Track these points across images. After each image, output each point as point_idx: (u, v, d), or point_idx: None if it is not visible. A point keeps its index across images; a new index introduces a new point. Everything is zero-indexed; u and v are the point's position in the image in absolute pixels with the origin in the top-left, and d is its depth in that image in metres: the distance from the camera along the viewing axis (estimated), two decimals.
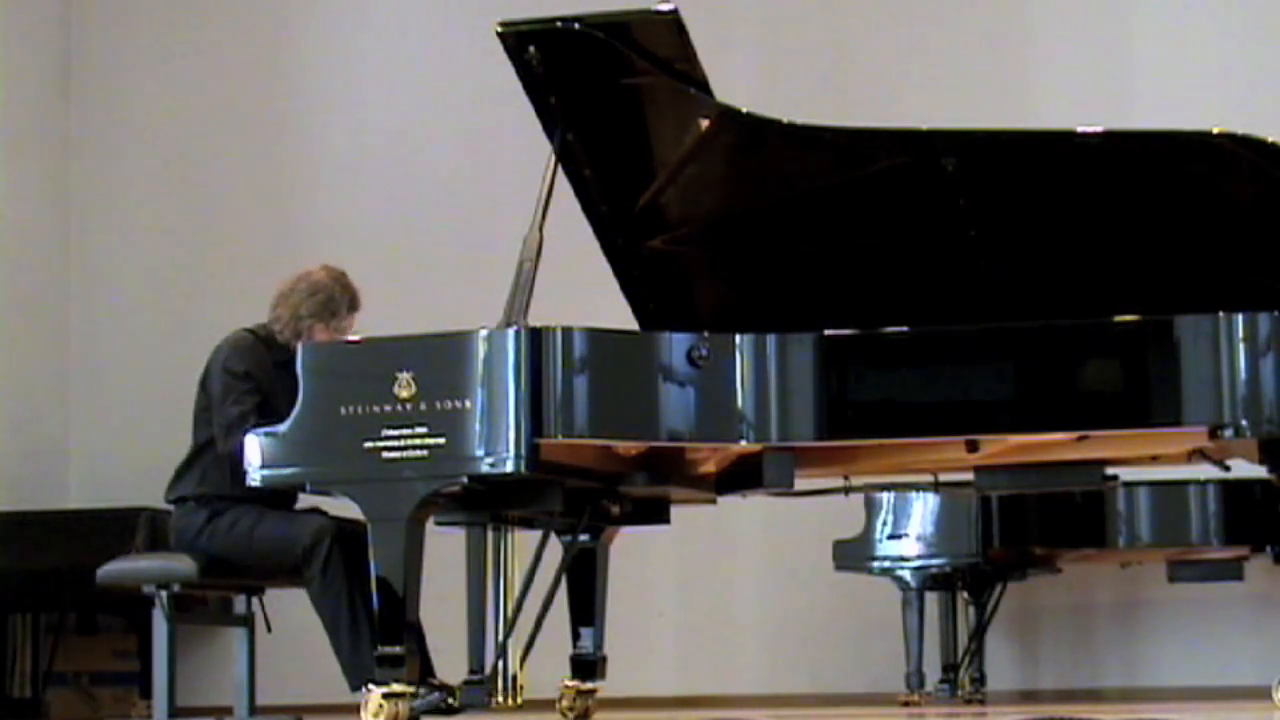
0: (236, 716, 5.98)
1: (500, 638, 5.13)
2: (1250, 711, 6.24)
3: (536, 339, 4.73)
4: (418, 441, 4.75)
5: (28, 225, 9.37)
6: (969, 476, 5.41)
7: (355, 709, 4.94)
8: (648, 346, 4.93)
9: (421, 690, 5.02)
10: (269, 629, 5.93)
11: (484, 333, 4.77)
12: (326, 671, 5.43)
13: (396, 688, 4.84)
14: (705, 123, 5.10)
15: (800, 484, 5.14)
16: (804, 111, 5.24)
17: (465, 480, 4.75)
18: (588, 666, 5.64)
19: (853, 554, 7.54)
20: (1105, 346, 4.98)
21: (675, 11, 4.91)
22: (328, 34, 9.63)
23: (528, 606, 5.09)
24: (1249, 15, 8.51)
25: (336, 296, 5.71)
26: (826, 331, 4.94)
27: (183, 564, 5.57)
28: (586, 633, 5.63)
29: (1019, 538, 7.43)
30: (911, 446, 5.18)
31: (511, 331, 4.76)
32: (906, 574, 7.48)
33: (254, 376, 5.58)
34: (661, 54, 5.02)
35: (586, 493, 5.14)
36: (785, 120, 5.09)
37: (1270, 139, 4.95)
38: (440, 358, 4.81)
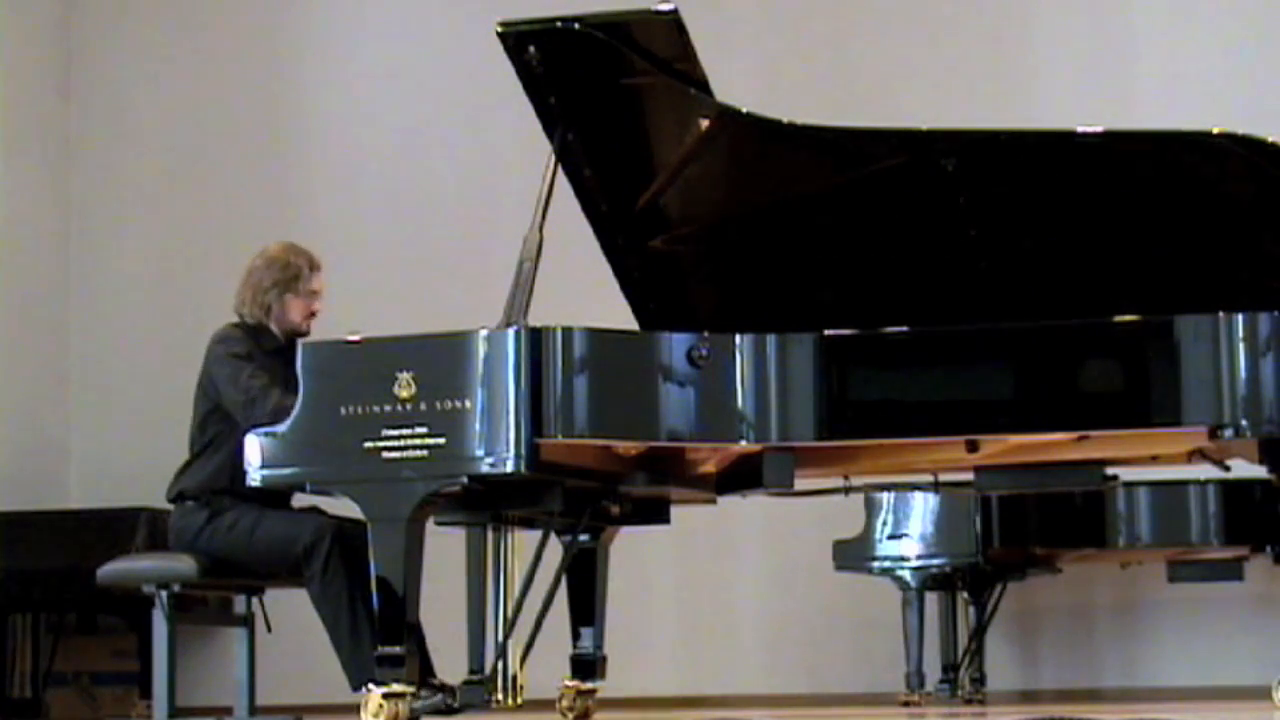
0: (236, 716, 5.98)
1: (500, 638, 5.13)
2: (1250, 711, 6.25)
3: (536, 339, 4.73)
4: (418, 441, 4.75)
5: (28, 225, 9.37)
6: (969, 476, 5.41)
7: (355, 709, 4.94)
8: (648, 346, 4.93)
9: (423, 692, 5.03)
10: (269, 629, 5.93)
11: (484, 333, 4.77)
12: (326, 671, 5.43)
13: (396, 688, 4.84)
14: (705, 123, 5.10)
15: (800, 484, 5.14)
16: (804, 111, 5.24)
17: (465, 480, 4.75)
18: (588, 666, 5.64)
19: (853, 554, 7.54)
20: (1105, 346, 4.98)
21: (675, 11, 4.91)
22: (328, 34, 9.63)
23: (528, 606, 5.09)
24: (1249, 15, 8.51)
25: (293, 261, 5.73)
26: (826, 331, 4.94)
27: (183, 564, 5.57)
28: (586, 633, 5.63)
29: (1019, 538, 7.43)
30: (911, 446, 5.18)
31: (511, 331, 4.76)
32: (906, 574, 7.48)
33: (255, 357, 5.59)
34: (661, 54, 5.03)
35: (586, 493, 5.14)
36: (785, 120, 5.09)
37: (1270, 139, 4.95)
38: (440, 358, 4.81)
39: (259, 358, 5.60)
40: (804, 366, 4.90)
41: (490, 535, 5.21)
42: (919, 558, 7.46)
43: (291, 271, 5.71)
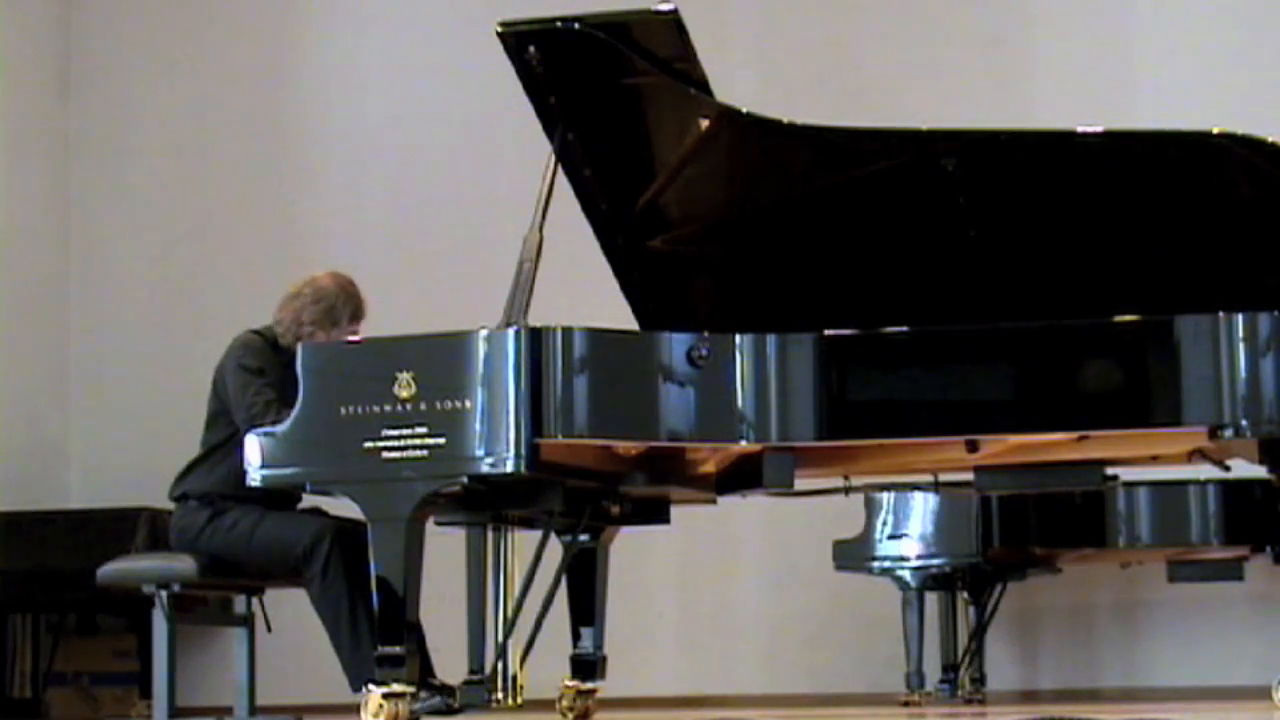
0: (236, 716, 5.98)
1: (500, 638, 5.13)
2: (1250, 711, 6.25)
3: (536, 339, 4.73)
4: (418, 441, 4.75)
5: (28, 225, 9.37)
6: (969, 476, 5.41)
7: (355, 709, 4.94)
8: (648, 346, 4.93)
9: (422, 691, 5.02)
10: (269, 629, 5.93)
11: (484, 333, 4.77)
12: (326, 671, 5.43)
13: (396, 688, 4.84)
14: (705, 123, 5.10)
15: (800, 484, 5.14)
16: (804, 111, 5.24)
17: (465, 480, 4.75)
18: (588, 666, 5.64)
19: (853, 554, 7.54)
20: (1105, 346, 4.98)
21: (675, 11, 4.91)
22: (328, 34, 9.63)
23: (528, 606, 5.09)
24: (1249, 15, 8.51)
25: (338, 306, 5.71)
26: (826, 331, 4.94)
27: (183, 564, 5.58)
28: (586, 633, 5.63)
29: (1019, 538, 7.43)
30: (911, 446, 5.18)
31: (511, 331, 4.76)
32: (906, 574, 7.48)
33: (267, 373, 5.59)
34: (661, 54, 5.02)
35: (586, 493, 5.14)
36: (785, 120, 5.09)
37: (1270, 139, 4.95)
38: (440, 358, 4.81)
39: (272, 371, 5.60)
40: (804, 366, 4.90)
41: (490, 535, 5.20)
42: (919, 558, 7.46)
43: (332, 317, 5.69)
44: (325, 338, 5.65)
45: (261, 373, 5.59)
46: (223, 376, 5.68)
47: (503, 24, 5.07)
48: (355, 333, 5.70)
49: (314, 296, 5.71)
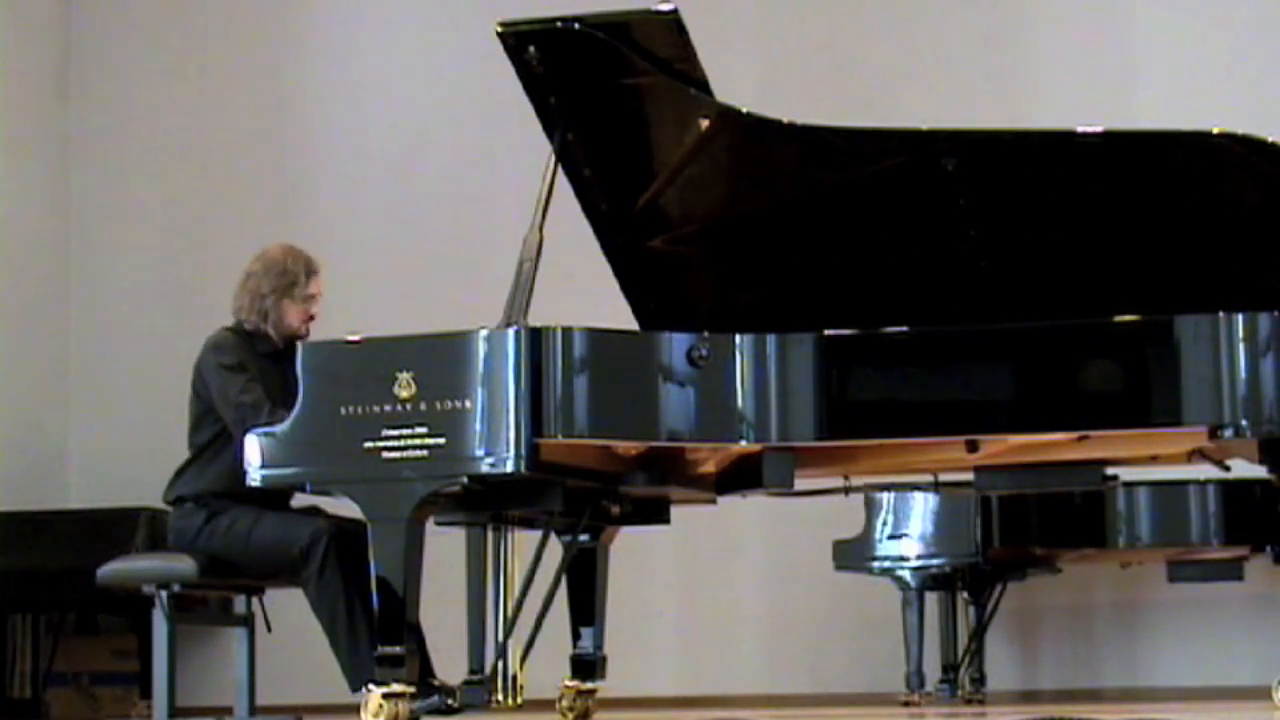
0: (236, 716, 5.98)
1: (500, 638, 5.13)
2: (1250, 711, 6.24)
3: (536, 339, 4.73)
4: (418, 441, 4.75)
5: (28, 225, 9.37)
6: (969, 476, 5.41)
7: (355, 709, 4.94)
8: (648, 346, 4.93)
9: (421, 691, 5.03)
10: (269, 629, 5.93)
11: (484, 333, 4.77)
12: (326, 671, 5.43)
13: (396, 688, 4.84)
14: (705, 123, 5.11)
15: (800, 484, 5.14)
16: (804, 111, 5.24)
17: (465, 480, 4.75)
18: (588, 666, 5.64)
19: (853, 554, 7.54)
20: (1105, 346, 4.98)
21: (675, 11, 4.92)
22: (328, 34, 9.63)
23: (528, 606, 5.09)
24: (1250, 14, 8.51)
25: (290, 267, 5.72)
26: (826, 331, 4.94)
27: (183, 564, 5.58)
28: (586, 633, 5.63)
29: (1019, 538, 7.43)
30: (911, 446, 5.18)
31: (511, 331, 4.76)
32: (906, 574, 7.48)
33: (247, 366, 5.59)
34: (661, 54, 5.03)
35: (586, 493, 5.14)
36: (785, 120, 5.10)
37: (1270, 139, 4.95)
38: (440, 358, 4.81)
39: (252, 365, 5.60)
40: (804, 366, 4.90)
41: (490, 535, 5.21)
42: (919, 558, 7.46)
43: (289, 278, 5.71)
44: (291, 303, 5.68)
45: (242, 367, 5.58)
46: (202, 378, 5.67)
47: (503, 24, 5.07)
48: (317, 290, 5.71)
49: (264, 269, 5.74)
